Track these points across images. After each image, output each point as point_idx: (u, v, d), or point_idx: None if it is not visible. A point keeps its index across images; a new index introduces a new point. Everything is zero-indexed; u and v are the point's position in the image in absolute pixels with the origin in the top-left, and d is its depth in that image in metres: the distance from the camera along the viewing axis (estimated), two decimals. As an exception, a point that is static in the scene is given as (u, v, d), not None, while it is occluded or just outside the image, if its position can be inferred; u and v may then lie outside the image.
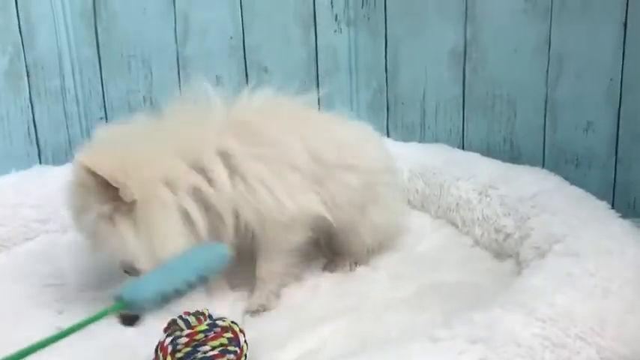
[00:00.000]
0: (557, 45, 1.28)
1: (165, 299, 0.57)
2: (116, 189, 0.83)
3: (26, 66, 1.36)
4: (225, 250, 0.65)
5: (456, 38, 1.36)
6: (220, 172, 0.89)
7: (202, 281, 0.61)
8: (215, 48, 1.43)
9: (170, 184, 0.88)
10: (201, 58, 1.44)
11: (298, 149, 0.94)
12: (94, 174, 0.83)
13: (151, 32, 1.42)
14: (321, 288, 1.01)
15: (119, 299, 0.56)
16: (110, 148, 0.88)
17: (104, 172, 0.83)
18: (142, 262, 0.86)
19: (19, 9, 1.29)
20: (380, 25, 1.42)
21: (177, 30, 1.42)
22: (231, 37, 1.43)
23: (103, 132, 0.94)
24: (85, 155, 0.85)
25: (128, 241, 0.86)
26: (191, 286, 0.60)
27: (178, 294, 0.59)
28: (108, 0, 1.40)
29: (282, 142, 0.94)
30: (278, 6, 1.42)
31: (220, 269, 0.63)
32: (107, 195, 0.84)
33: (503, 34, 1.33)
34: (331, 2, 1.42)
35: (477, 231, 1.12)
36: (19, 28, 1.32)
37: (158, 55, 1.44)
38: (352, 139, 1.04)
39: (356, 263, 1.07)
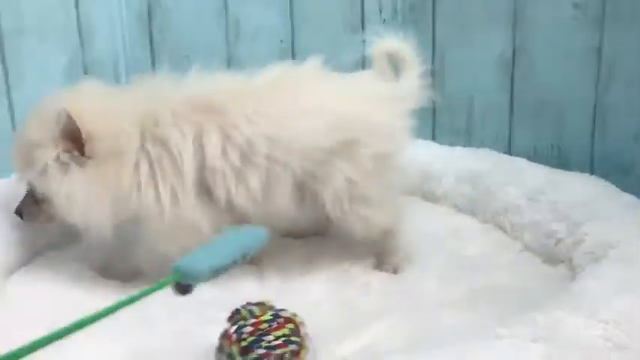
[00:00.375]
0: (608, 52, 1.29)
1: (214, 273, 0.62)
2: (82, 141, 0.90)
3: (84, 66, 1.40)
4: (263, 232, 0.69)
5: (505, 44, 1.37)
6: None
7: (245, 258, 0.66)
8: (265, 51, 1.47)
9: (128, 152, 0.92)
10: (251, 60, 1.47)
11: (188, 154, 0.93)
12: (71, 121, 0.88)
13: (204, 34, 1.46)
14: (371, 286, 1.02)
15: (177, 270, 0.60)
16: (91, 101, 0.93)
17: (82, 123, 0.89)
18: (74, 217, 0.93)
19: (79, 11, 1.34)
20: (428, 30, 1.44)
21: (228, 33, 1.46)
22: (281, 41, 1.46)
23: (87, 84, 0.98)
24: (69, 100, 0.91)
25: (74, 192, 0.91)
26: (236, 263, 0.65)
27: (226, 269, 0.64)
28: (163, 3, 1.45)
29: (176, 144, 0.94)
30: (327, 11, 1.44)
31: (259, 248, 0.68)
32: (72, 143, 0.90)
33: (552, 41, 1.33)
34: (380, 7, 1.44)
35: (526, 236, 1.12)
36: (79, 29, 1.36)
37: (210, 57, 1.47)
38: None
39: (396, 268, 1.07)
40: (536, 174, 1.21)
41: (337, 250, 1.11)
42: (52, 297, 0.94)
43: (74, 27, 1.28)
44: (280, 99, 0.97)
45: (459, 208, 1.27)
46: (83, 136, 0.89)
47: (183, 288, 0.64)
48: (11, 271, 1.01)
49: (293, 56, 1.46)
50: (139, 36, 1.47)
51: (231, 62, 1.47)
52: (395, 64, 1.12)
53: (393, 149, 1.04)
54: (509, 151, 1.40)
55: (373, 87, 1.05)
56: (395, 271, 1.07)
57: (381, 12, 1.45)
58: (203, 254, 0.63)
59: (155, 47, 1.48)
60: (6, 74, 1.21)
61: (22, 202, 0.98)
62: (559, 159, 1.35)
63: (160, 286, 0.59)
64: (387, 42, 1.11)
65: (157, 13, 1.46)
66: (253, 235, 0.69)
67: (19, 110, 1.23)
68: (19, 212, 0.99)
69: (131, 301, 0.56)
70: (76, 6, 1.28)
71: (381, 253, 1.09)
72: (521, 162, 1.29)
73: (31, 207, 0.97)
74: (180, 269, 0.61)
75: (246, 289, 0.98)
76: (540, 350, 0.67)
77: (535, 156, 1.35)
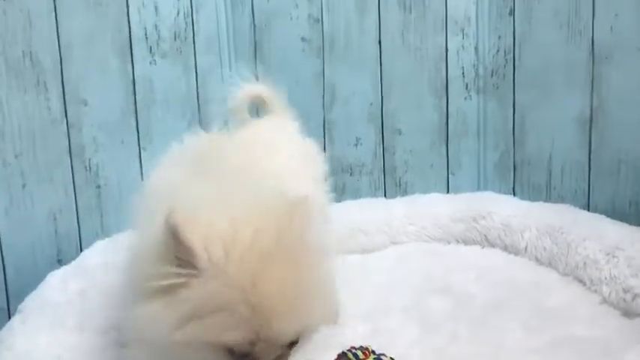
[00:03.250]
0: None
1: None
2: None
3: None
4: None
5: (582, 105, 1.46)
6: None
7: None
8: (356, 113, 1.61)
9: None
10: (343, 121, 1.62)
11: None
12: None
13: (302, 99, 1.62)
14: (458, 333, 1.12)
15: None
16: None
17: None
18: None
19: (198, 82, 1.53)
20: (508, 93, 1.55)
21: (325, 97, 1.62)
22: (371, 104, 1.61)
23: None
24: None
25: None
26: None
27: None
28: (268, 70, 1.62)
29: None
30: (414, 76, 1.58)
31: None
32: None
33: (629, 102, 1.41)
34: (462, 72, 1.57)
35: (605, 289, 1.19)
36: (197, 98, 1.55)
37: (307, 120, 1.63)
38: None
39: None
40: (615, 230, 1.28)
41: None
42: None
43: (194, 96, 1.48)
44: None
45: (539, 261, 1.35)
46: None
47: None
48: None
49: (382, 117, 1.60)
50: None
51: (325, 123, 1.63)
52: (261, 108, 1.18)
53: None
54: (587, 208, 1.47)
55: None
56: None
57: (464, 76, 1.57)
58: None
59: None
60: (138, 138, 1.42)
61: None
62: (637, 216, 1.41)
63: None
64: (249, 87, 1.16)
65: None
66: None
67: (147, 168, 1.42)
68: None
69: None
70: (196, 79, 1.48)
71: None
72: (599, 218, 1.36)
73: None
74: None
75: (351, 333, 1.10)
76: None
77: (613, 213, 1.41)
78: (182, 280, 0.65)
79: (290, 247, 0.68)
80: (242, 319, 0.64)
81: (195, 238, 0.64)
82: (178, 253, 0.65)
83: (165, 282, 0.65)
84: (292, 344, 0.72)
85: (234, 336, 0.65)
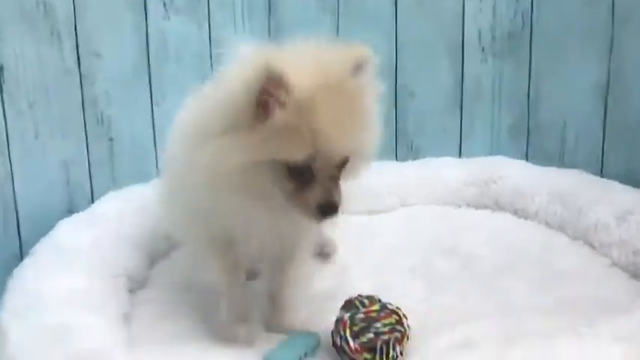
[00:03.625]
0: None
1: None
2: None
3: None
4: (317, 337, 0.95)
5: (600, 71, 1.44)
6: None
7: (305, 356, 0.92)
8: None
9: None
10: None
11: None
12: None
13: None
14: (466, 292, 1.13)
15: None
16: None
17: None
18: None
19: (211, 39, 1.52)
20: (524, 58, 1.53)
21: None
22: (385, 65, 1.59)
23: None
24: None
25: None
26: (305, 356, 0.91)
27: None
28: (281, 27, 1.61)
29: None
30: (429, 38, 1.56)
31: (314, 351, 0.93)
32: None
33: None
34: (479, 35, 1.55)
35: (614, 253, 1.19)
36: (210, 55, 1.55)
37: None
38: None
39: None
40: (627, 195, 1.27)
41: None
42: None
43: (207, 53, 1.47)
44: None
45: (550, 226, 1.35)
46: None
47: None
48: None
49: (395, 78, 1.58)
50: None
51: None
52: None
53: None
54: (600, 174, 1.46)
55: None
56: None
57: (480, 39, 1.55)
58: (281, 351, 0.91)
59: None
60: (151, 93, 1.42)
61: (333, 190, 0.84)
62: (651, 182, 1.40)
63: None
64: None
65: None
66: (311, 339, 0.94)
67: (159, 123, 1.43)
68: (337, 205, 0.84)
69: None
70: (209, 35, 1.47)
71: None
72: (612, 184, 1.35)
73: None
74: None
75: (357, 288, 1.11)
76: (621, 349, 0.75)
77: (627, 180, 1.40)
78: (261, 112, 0.79)
79: (347, 86, 0.83)
80: (306, 139, 0.79)
81: (282, 70, 0.78)
82: (267, 84, 0.78)
83: (243, 117, 0.80)
84: (342, 165, 0.85)
85: (299, 153, 0.80)
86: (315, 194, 0.83)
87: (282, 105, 0.79)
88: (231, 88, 0.82)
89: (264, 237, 0.93)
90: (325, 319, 0.96)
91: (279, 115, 0.79)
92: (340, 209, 0.84)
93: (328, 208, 0.83)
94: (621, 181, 1.36)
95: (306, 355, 0.91)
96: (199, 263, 1.03)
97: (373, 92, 0.89)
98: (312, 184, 0.83)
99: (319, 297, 1.09)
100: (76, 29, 1.32)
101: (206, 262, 0.99)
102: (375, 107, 0.90)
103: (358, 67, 0.85)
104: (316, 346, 0.94)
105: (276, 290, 1.02)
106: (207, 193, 0.87)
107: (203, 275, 1.04)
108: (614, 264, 1.18)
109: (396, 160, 1.59)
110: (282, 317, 1.01)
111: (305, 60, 0.83)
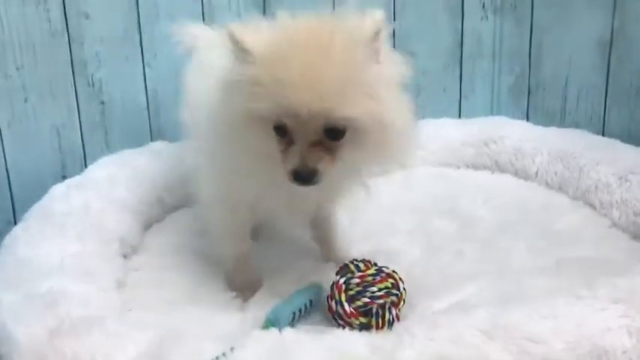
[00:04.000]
0: None
1: (294, 317, 0.90)
2: None
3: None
4: (321, 287, 0.95)
5: (603, 28, 1.40)
6: None
7: (311, 305, 0.93)
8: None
9: None
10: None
11: None
12: None
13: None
14: (464, 252, 1.11)
15: (268, 319, 0.88)
16: None
17: None
18: None
19: None
20: (526, 14, 1.49)
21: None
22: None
23: None
24: None
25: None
26: (306, 309, 0.92)
27: (300, 313, 0.91)
28: None
29: None
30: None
31: (318, 298, 0.94)
32: None
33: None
34: (480, -9, 1.50)
35: (615, 213, 1.17)
36: (202, 14, 1.50)
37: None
38: None
39: None
40: (629, 154, 1.25)
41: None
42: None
43: (199, 13, 1.43)
44: None
45: (550, 186, 1.33)
46: None
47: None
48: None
49: (394, 37, 1.54)
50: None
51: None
52: None
53: None
54: (602, 133, 1.43)
55: None
56: None
57: (481, -5, 1.50)
58: (284, 305, 0.91)
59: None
60: (142, 54, 1.38)
61: (308, 156, 0.80)
62: (654, 141, 1.38)
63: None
64: None
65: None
66: (314, 289, 0.95)
67: (151, 85, 1.39)
68: (312, 172, 0.80)
69: None
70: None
71: None
72: (614, 143, 1.33)
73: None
74: (270, 318, 0.88)
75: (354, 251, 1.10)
76: (620, 310, 0.74)
77: (629, 138, 1.38)
78: (237, 73, 0.80)
79: (337, 49, 0.78)
80: (269, 90, 0.77)
81: (245, 37, 0.80)
82: (236, 52, 0.80)
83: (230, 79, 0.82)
84: (333, 135, 0.80)
85: (262, 104, 0.78)
86: (290, 158, 0.80)
87: (249, 62, 0.80)
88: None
89: (284, 200, 0.91)
90: (320, 281, 0.95)
91: (247, 70, 0.80)
92: (319, 177, 0.80)
93: (299, 174, 0.79)
94: (623, 140, 1.34)
95: (311, 303, 0.92)
96: (213, 226, 1.02)
97: (390, 64, 0.84)
98: (292, 147, 0.80)
99: (314, 260, 1.07)
100: (61, -12, 1.28)
101: (222, 222, 0.99)
102: (393, 79, 0.85)
103: (370, 36, 0.80)
104: (318, 294, 0.93)
105: (323, 238, 1.08)
106: (227, 154, 0.88)
107: (211, 241, 1.04)
108: (615, 225, 1.16)
109: (394, 121, 1.56)
110: (336, 254, 1.07)
111: (295, 24, 0.81)
